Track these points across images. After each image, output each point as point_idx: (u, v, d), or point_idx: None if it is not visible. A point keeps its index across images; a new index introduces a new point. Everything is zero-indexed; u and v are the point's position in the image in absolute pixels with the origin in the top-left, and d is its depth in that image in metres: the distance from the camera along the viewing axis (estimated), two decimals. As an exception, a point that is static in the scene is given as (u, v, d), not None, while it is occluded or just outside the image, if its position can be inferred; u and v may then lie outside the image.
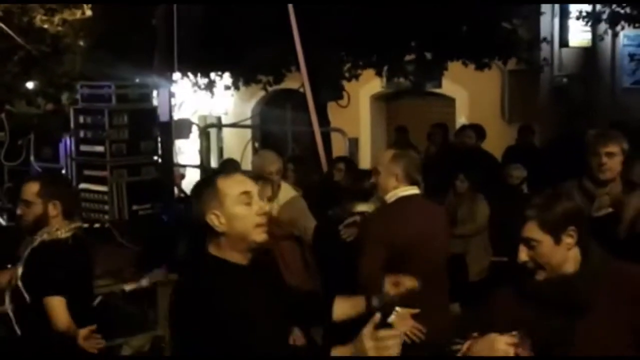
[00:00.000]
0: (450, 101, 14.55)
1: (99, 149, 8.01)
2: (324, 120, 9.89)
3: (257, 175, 5.44)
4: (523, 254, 2.84)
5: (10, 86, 11.62)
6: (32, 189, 4.31)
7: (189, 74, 12.05)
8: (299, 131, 9.70)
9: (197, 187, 2.99)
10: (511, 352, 2.70)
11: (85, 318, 4.11)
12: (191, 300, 2.77)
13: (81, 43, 11.49)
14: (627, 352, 2.79)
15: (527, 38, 11.67)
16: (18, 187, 4.64)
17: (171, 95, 9.22)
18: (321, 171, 7.96)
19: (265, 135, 14.79)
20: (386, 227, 4.34)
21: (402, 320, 3.56)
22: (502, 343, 2.71)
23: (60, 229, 4.18)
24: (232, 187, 2.88)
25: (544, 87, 13.75)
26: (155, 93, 9.13)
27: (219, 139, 16.22)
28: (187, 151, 13.13)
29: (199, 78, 12.46)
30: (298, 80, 8.40)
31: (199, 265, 2.91)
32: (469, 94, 14.08)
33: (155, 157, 8.44)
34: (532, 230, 2.82)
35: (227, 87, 13.03)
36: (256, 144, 14.25)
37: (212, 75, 12.48)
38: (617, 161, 4.73)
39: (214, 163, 14.15)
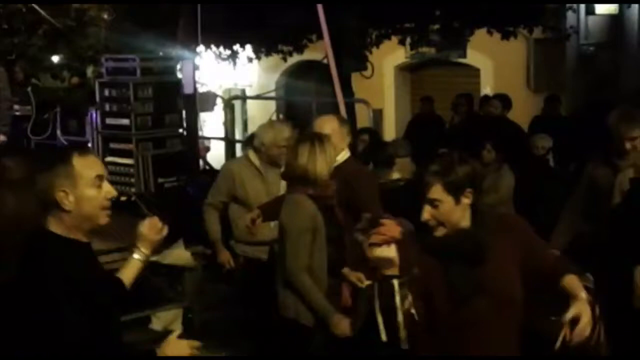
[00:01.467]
0: (475, 71, 14.45)
1: (125, 122, 8.07)
2: (348, 91, 9.86)
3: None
4: (426, 214, 3.14)
5: (35, 60, 11.65)
6: None
7: (212, 46, 12.05)
8: (323, 102, 9.67)
9: (50, 159, 2.92)
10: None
11: None
12: (34, 278, 2.74)
13: (105, 16, 11.49)
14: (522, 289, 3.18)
15: (553, 6, 11.53)
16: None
17: (195, 67, 9.24)
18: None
19: (289, 107, 14.77)
20: None
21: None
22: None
23: None
24: (89, 169, 2.88)
25: (570, 55, 13.60)
26: (179, 66, 9.15)
27: (244, 111, 16.22)
28: (211, 124, 13.17)
29: (221, 50, 12.46)
30: (321, 52, 8.36)
31: (40, 243, 2.85)
32: (494, 63, 13.96)
33: (180, 130, 8.49)
34: (436, 191, 3.13)
35: (249, 59, 13.01)
36: (280, 116, 14.24)
37: (236, 47, 12.48)
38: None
39: (238, 135, 14.16)
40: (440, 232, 3.16)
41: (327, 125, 4.90)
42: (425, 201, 3.14)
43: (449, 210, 3.13)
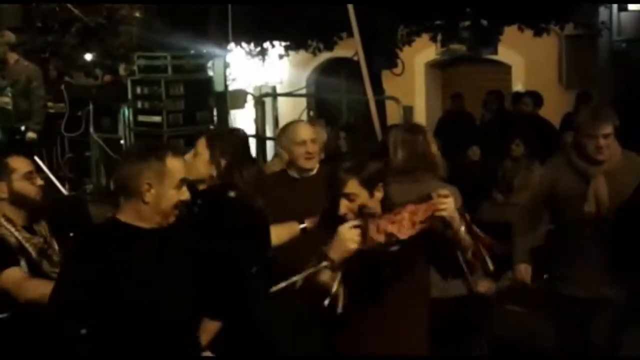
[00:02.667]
0: (506, 68, 14.36)
1: (156, 119, 8.15)
2: (378, 88, 9.85)
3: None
4: (344, 208, 3.30)
5: (69, 58, 11.78)
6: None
7: (243, 43, 12.09)
8: (353, 100, 9.68)
9: (145, 151, 3.11)
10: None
11: None
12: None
13: (137, 14, 11.59)
14: None
15: (586, 2, 11.44)
16: (79, 157, 4.69)
17: (226, 65, 9.30)
18: (376, 140, 7.95)
19: (319, 104, 14.79)
20: None
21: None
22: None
23: None
24: (178, 171, 3.10)
25: (602, 52, 13.48)
26: (210, 64, 9.21)
27: (274, 109, 16.23)
28: (242, 121, 13.21)
29: (252, 47, 12.50)
30: (352, 48, 8.37)
31: (112, 231, 3.12)
32: (526, 60, 13.87)
33: (211, 127, 8.54)
34: (353, 186, 3.30)
35: (280, 56, 13.04)
36: (311, 113, 14.26)
37: (266, 44, 12.51)
38: (612, 140, 4.59)
39: (269, 132, 14.20)
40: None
41: None
42: (342, 196, 3.31)
43: (365, 203, 3.32)
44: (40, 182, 3.99)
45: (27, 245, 3.83)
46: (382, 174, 3.41)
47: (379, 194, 3.36)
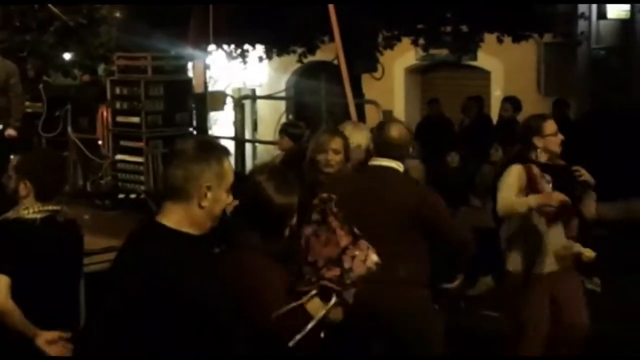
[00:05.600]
0: (485, 74, 14.42)
1: (135, 120, 8.10)
2: (358, 92, 9.86)
3: None
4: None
5: (47, 57, 11.70)
6: (13, 162, 4.11)
7: (224, 45, 12.07)
8: (333, 103, 9.69)
9: (203, 151, 2.81)
10: None
11: (43, 305, 3.87)
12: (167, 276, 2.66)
13: (117, 14, 11.54)
14: None
15: (564, 11, 11.51)
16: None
17: (206, 67, 9.27)
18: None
19: (299, 107, 14.79)
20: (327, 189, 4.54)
21: None
22: None
23: (29, 209, 3.92)
24: (231, 174, 2.86)
25: (581, 59, 13.56)
26: (190, 65, 9.17)
27: (254, 111, 16.24)
28: (221, 123, 13.18)
29: (232, 49, 12.48)
30: (332, 52, 8.37)
31: (160, 238, 2.77)
32: (505, 66, 13.94)
33: (191, 129, 8.50)
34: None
35: (260, 59, 13.03)
36: (290, 116, 14.26)
37: (246, 46, 12.49)
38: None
39: (248, 135, 14.19)
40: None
41: None
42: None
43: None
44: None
45: None
46: None
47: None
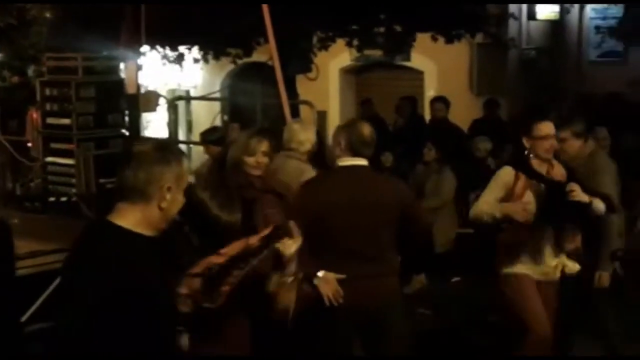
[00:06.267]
0: (419, 74, 14.57)
1: (66, 121, 7.98)
2: (292, 93, 9.87)
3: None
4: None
5: (-25, 58, 11.48)
6: None
7: (158, 47, 11.96)
8: (267, 104, 9.68)
9: (164, 152, 2.82)
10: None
11: None
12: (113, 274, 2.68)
13: (47, 15, 11.35)
14: None
15: (495, 12, 11.69)
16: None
17: (138, 68, 9.18)
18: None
19: (234, 108, 14.73)
20: (306, 194, 4.70)
21: (326, 283, 4.34)
22: None
23: None
24: (187, 175, 2.88)
25: (512, 60, 13.80)
26: (122, 66, 9.08)
27: (188, 112, 16.15)
28: (155, 124, 13.07)
29: (167, 51, 12.37)
30: (267, 54, 8.36)
31: (117, 239, 2.77)
32: (438, 67, 14.10)
33: (123, 130, 8.41)
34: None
35: (196, 60, 12.95)
36: (225, 117, 14.21)
37: (181, 48, 12.40)
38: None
39: (182, 136, 14.10)
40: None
41: None
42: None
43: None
44: None
45: None
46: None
47: None
